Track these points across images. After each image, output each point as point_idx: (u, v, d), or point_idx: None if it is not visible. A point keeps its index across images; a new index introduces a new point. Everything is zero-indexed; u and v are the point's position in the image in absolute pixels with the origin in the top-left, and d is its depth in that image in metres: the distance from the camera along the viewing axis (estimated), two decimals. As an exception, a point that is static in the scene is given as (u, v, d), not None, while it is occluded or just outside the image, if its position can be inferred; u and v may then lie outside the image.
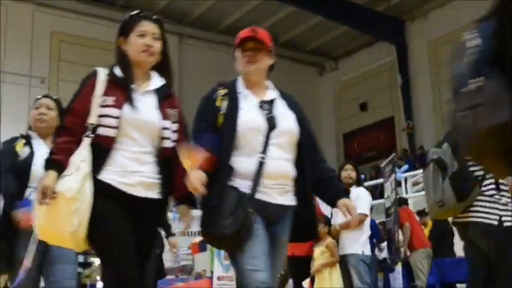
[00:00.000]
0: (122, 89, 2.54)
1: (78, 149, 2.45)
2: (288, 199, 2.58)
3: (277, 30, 18.00)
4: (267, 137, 2.51)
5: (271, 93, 2.68)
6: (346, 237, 5.56)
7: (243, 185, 2.46)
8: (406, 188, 12.65)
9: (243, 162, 2.48)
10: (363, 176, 8.66)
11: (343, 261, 5.57)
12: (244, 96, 2.61)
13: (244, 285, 2.39)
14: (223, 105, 2.57)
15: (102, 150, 2.45)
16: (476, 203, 3.32)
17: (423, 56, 17.10)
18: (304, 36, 18.56)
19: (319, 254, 5.81)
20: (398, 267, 7.95)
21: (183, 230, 2.91)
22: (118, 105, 2.49)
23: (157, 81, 2.66)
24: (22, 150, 3.43)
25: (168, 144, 2.56)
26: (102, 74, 2.59)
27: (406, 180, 12.83)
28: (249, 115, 2.55)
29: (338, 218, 5.58)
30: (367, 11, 16.40)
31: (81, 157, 2.43)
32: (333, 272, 5.75)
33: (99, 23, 16.10)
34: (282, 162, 2.54)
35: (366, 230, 5.61)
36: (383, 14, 16.98)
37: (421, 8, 16.96)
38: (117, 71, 2.61)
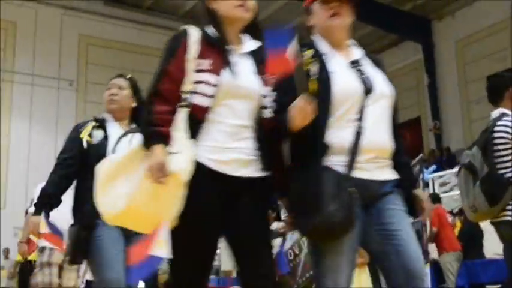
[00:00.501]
0: (217, 51, 2.18)
1: (176, 120, 2.09)
2: (388, 173, 2.20)
3: (303, 31, 17.96)
4: (364, 103, 2.14)
5: (357, 52, 2.30)
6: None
7: (337, 162, 2.09)
8: (433, 189, 12.53)
9: (338, 135, 2.10)
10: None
11: (372, 263, 5.54)
12: (331, 57, 2.21)
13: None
14: (313, 69, 2.16)
15: (194, 123, 2.10)
16: None
17: (450, 56, 16.89)
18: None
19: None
20: (427, 269, 7.89)
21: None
22: (215, 70, 2.13)
23: (251, 43, 2.29)
24: (93, 134, 3.18)
25: (267, 114, 2.21)
26: (195, 34, 2.20)
27: (433, 180, 12.71)
28: (343, 78, 2.15)
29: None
30: (393, 11, 16.28)
31: (183, 132, 2.08)
32: (362, 273, 5.71)
33: (126, 25, 16.28)
34: (380, 133, 2.18)
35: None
36: (409, 14, 16.83)
37: (448, 7, 16.76)
38: (210, 31, 2.23)
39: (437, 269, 8.13)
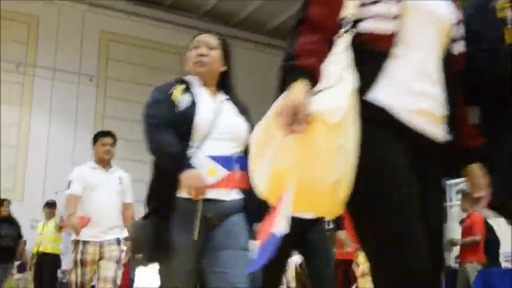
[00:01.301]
0: None
1: (332, 53, 1.57)
2: None
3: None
4: None
5: None
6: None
7: None
8: (450, 196, 12.40)
9: None
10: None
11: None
12: None
13: None
14: None
15: (370, 57, 1.56)
16: None
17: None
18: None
19: (366, 259, 5.77)
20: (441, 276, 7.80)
21: None
22: None
23: None
24: (181, 98, 2.60)
25: (459, 49, 1.69)
26: None
27: (450, 187, 12.57)
28: None
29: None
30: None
31: (341, 64, 1.54)
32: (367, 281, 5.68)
33: (147, 23, 16.35)
34: None
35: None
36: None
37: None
38: None
39: (453, 278, 8.00)
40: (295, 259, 7.95)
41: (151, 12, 16.39)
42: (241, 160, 2.57)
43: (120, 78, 15.88)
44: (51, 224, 10.08)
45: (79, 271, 4.95)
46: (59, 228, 9.98)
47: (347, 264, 7.19)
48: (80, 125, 15.02)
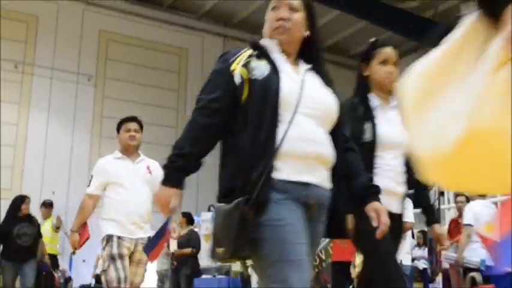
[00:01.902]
0: None
1: None
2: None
3: (322, 34, 17.90)
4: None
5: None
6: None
7: None
8: (448, 198, 12.41)
9: None
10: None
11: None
12: None
13: None
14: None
15: None
16: None
17: (470, 64, 16.78)
18: (348, 40, 18.44)
19: (362, 261, 5.75)
20: (439, 278, 7.81)
21: None
22: None
23: None
24: (253, 66, 2.15)
25: None
26: None
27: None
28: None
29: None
30: (414, 17, 16.19)
31: None
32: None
33: (147, 23, 16.35)
34: None
35: (407, 239, 5.55)
36: (430, 20, 16.72)
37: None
38: None
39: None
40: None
41: (151, 13, 16.39)
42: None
43: (118, 78, 15.87)
44: (48, 224, 10.03)
45: (119, 264, 4.42)
46: (56, 228, 9.94)
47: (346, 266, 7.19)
48: (78, 124, 15.01)
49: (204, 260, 10.89)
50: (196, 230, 10.38)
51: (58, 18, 15.19)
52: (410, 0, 15.83)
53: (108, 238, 4.52)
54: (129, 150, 4.73)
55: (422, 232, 8.72)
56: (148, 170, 4.70)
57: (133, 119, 4.85)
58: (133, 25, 16.19)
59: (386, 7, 15.70)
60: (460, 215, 7.19)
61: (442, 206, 9.62)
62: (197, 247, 9.15)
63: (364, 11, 15.63)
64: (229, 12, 17.18)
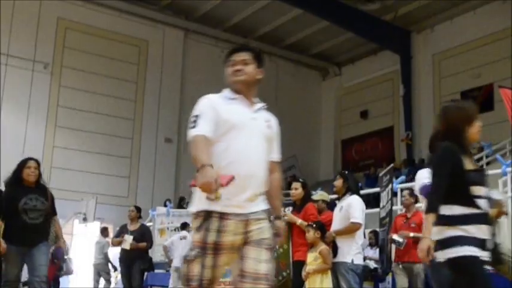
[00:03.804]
0: None
1: None
2: None
3: (283, 32, 18.00)
4: None
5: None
6: (338, 245, 5.59)
7: None
8: (402, 199, 12.63)
9: None
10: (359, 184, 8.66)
11: (333, 269, 5.60)
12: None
13: None
14: None
15: None
16: None
17: (427, 68, 17.11)
18: (309, 39, 18.56)
19: (312, 259, 5.80)
20: (389, 278, 7.94)
21: None
22: None
23: None
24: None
25: None
26: None
27: (402, 191, 12.81)
28: None
29: (334, 224, 5.66)
30: (374, 19, 16.42)
31: None
32: (324, 278, 5.73)
33: (106, 12, 16.11)
34: None
35: (358, 238, 5.62)
36: (390, 24, 16.98)
37: (428, 21, 16.96)
38: None
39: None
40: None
41: (110, 2, 16.14)
42: None
43: (76, 67, 15.57)
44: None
45: (209, 261, 2.82)
46: None
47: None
48: (33, 113, 14.65)
49: (158, 254, 10.81)
50: (149, 224, 10.28)
51: (15, 4, 14.80)
52: (371, 3, 16.02)
53: (207, 215, 2.88)
54: (244, 89, 3.09)
55: (374, 232, 8.85)
56: (268, 123, 3.13)
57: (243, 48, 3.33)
58: (92, 14, 15.91)
59: (347, 8, 15.86)
60: None
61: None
62: (151, 241, 9.08)
63: (325, 11, 15.75)
64: (191, 5, 17.07)
